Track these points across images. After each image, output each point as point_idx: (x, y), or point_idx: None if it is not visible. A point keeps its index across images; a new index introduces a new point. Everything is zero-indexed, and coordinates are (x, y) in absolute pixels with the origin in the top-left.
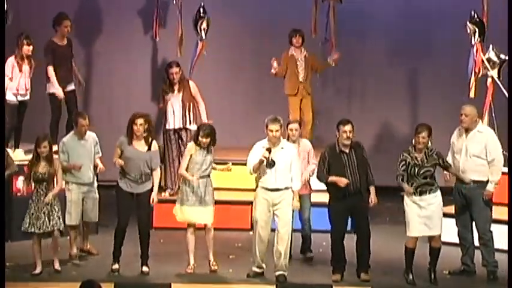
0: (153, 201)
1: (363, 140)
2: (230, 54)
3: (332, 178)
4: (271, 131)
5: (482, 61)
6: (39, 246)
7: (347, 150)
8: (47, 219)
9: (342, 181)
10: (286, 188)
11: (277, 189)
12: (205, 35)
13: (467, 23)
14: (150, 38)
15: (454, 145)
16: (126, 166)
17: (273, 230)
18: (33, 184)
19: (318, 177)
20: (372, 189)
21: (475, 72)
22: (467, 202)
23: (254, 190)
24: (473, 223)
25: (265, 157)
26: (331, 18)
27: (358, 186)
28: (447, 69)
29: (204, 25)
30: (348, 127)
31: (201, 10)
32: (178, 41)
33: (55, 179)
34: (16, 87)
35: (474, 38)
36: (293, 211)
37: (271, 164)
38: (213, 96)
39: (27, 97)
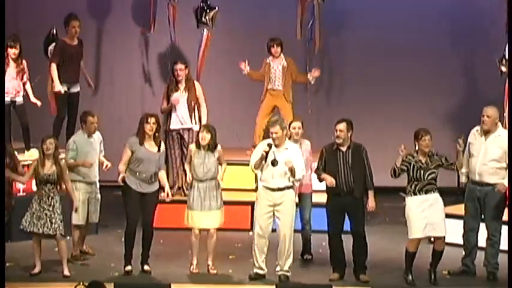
0: (168, 196)
1: (358, 140)
2: (230, 54)
3: (323, 175)
4: (271, 133)
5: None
6: (39, 246)
7: (344, 149)
8: (48, 221)
9: (329, 181)
10: (288, 188)
11: (279, 189)
12: (213, 25)
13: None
14: (149, 37)
15: (470, 146)
16: (138, 168)
17: (273, 231)
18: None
19: (315, 172)
20: (371, 193)
21: None
22: (480, 204)
23: (254, 190)
24: (480, 224)
25: (265, 151)
26: (317, 18)
27: (351, 185)
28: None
29: (211, 15)
30: (339, 126)
31: (207, 1)
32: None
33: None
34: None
35: None
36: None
37: (274, 162)
38: (214, 96)
39: (20, 99)
